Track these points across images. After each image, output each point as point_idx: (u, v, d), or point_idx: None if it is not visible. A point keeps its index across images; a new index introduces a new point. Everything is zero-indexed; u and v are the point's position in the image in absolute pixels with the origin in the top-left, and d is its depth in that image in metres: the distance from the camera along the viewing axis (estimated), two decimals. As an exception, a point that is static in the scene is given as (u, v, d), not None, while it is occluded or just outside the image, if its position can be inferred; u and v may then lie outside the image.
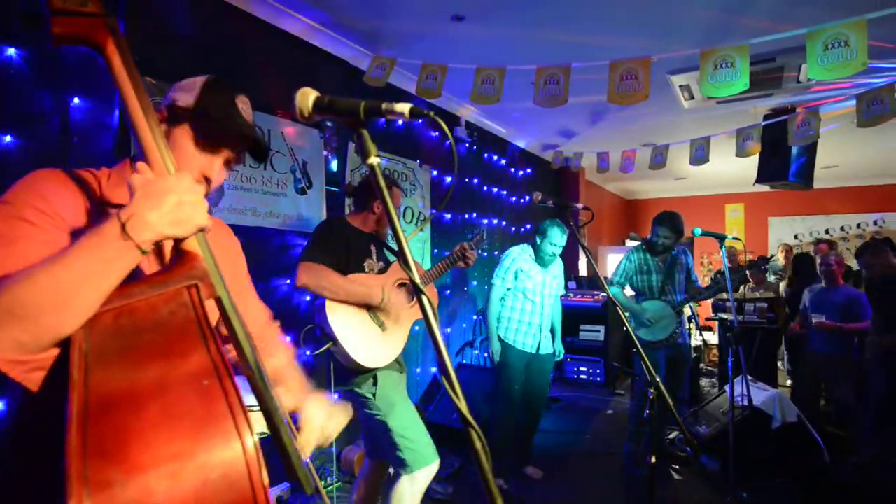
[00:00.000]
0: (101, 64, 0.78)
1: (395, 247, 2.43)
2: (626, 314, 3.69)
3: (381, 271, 2.26)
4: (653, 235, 3.62)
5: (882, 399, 3.54)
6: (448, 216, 4.94)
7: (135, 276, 0.75)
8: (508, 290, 3.39)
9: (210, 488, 0.61)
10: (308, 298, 3.29)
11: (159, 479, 0.59)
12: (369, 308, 2.17)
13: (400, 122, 4.21)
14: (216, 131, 0.98)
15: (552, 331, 3.57)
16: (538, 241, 3.37)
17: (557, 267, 3.55)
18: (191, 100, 0.96)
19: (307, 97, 0.79)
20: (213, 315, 0.87)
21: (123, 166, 0.97)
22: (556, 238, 3.31)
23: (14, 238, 0.78)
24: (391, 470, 2.32)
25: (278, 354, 1.25)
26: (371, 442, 2.31)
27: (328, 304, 2.08)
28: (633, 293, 3.82)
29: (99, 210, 0.88)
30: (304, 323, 3.28)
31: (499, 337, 3.40)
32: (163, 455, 0.60)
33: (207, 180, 0.99)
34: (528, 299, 3.37)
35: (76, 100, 2.21)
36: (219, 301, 0.81)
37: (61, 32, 0.72)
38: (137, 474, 0.58)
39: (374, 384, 2.12)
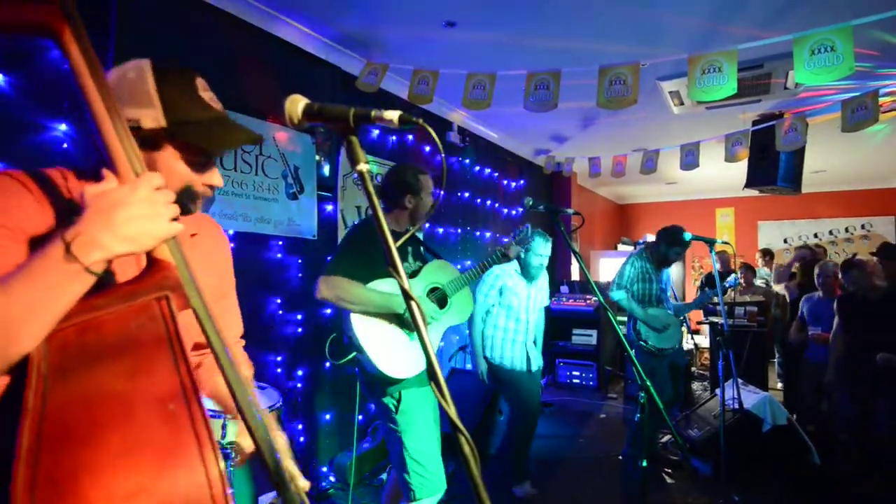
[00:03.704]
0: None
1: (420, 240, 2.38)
2: (633, 322, 3.69)
3: (415, 273, 2.18)
4: (670, 252, 3.62)
5: (852, 421, 3.56)
6: (442, 193, 4.95)
7: (107, 285, 0.69)
8: (492, 306, 3.28)
9: None
10: (300, 317, 3.28)
11: None
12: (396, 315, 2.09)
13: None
14: (209, 144, 0.89)
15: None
16: (522, 255, 3.24)
17: (543, 279, 3.46)
18: (159, 115, 0.83)
19: (296, 104, 0.79)
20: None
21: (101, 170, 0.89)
22: (541, 248, 3.21)
23: None
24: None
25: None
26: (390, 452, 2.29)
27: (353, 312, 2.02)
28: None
29: (64, 215, 0.78)
30: (295, 326, 3.28)
31: (485, 357, 3.30)
32: (121, 492, 0.54)
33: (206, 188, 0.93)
34: (511, 317, 3.27)
35: (63, 126, 2.17)
36: (195, 311, 0.76)
37: (5, 20, 0.64)
38: None
39: (399, 400, 2.04)
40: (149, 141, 0.84)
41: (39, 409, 0.57)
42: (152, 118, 0.83)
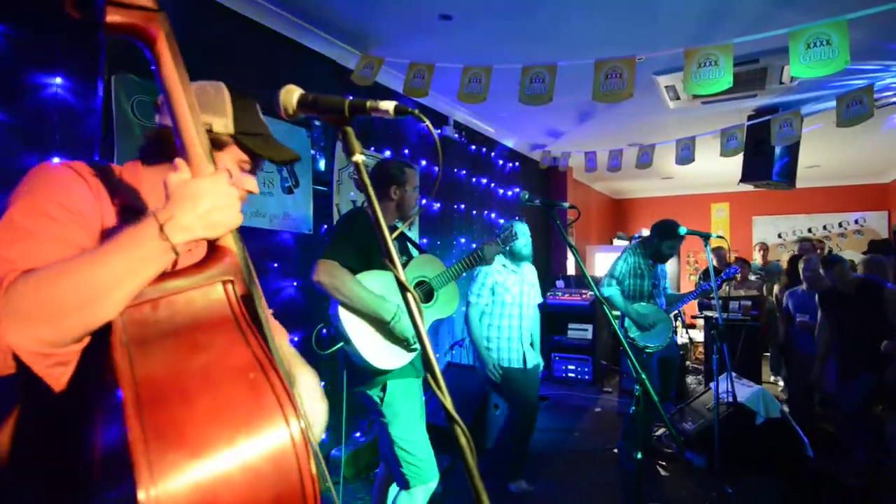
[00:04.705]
0: (142, 50, 0.78)
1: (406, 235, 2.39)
2: (622, 318, 3.69)
3: (402, 266, 2.18)
4: (662, 246, 3.61)
5: (858, 412, 3.61)
6: (437, 205, 4.95)
7: (170, 269, 0.77)
8: (486, 306, 3.28)
9: (263, 478, 0.63)
10: (296, 301, 3.27)
11: (217, 467, 0.61)
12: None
13: (387, 118, 4.22)
14: (262, 151, 1.03)
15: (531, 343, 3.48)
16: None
17: (532, 275, 3.45)
18: (228, 123, 0.99)
19: (291, 94, 0.79)
20: None
21: (135, 166, 0.99)
22: (521, 230, 3.19)
23: (37, 233, 0.78)
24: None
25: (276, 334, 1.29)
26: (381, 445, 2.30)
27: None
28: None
29: (115, 207, 0.89)
30: (293, 321, 3.27)
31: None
32: (219, 444, 0.62)
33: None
34: (506, 314, 3.27)
35: (59, 79, 2.16)
36: (248, 297, 0.82)
37: (114, 22, 0.72)
38: (197, 461, 0.60)
39: (383, 390, 2.05)
40: (215, 142, 0.98)
41: (130, 375, 0.64)
42: (222, 124, 0.98)
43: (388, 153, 4.23)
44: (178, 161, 0.79)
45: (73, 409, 0.74)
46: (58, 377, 0.72)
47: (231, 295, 0.77)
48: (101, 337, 0.69)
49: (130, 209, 0.89)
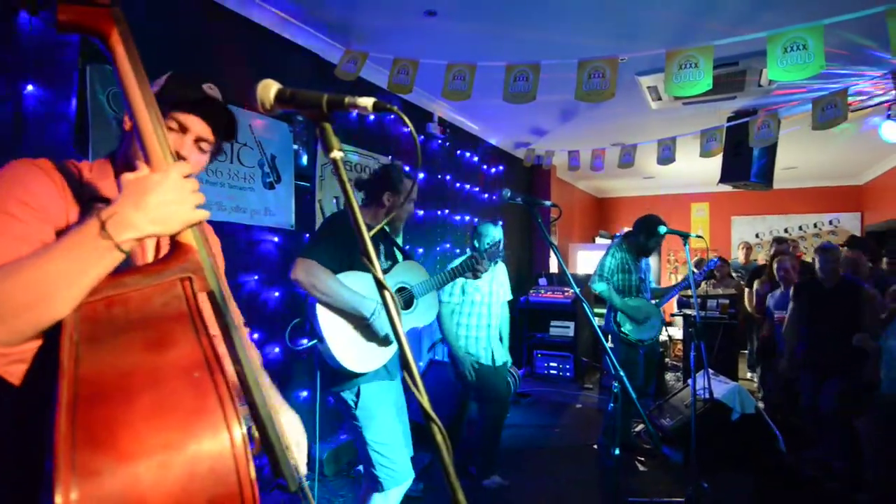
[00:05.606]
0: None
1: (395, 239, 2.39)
2: (616, 313, 3.73)
3: (385, 272, 2.17)
4: (648, 240, 3.67)
5: (811, 407, 3.69)
6: (420, 212, 4.93)
7: (128, 265, 0.76)
8: (457, 304, 3.32)
9: (197, 480, 0.62)
10: (277, 294, 3.24)
11: (147, 470, 0.60)
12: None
13: (371, 116, 4.19)
14: (177, 105, 0.98)
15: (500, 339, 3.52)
16: (476, 244, 3.26)
17: (503, 274, 3.49)
18: (156, 90, 0.96)
19: (269, 89, 0.78)
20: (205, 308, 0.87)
21: (105, 162, 0.98)
22: (494, 233, 3.25)
23: None
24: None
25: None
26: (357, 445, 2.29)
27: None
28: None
29: (81, 204, 0.88)
30: (271, 320, 3.24)
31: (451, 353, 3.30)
32: (152, 446, 0.61)
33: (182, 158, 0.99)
34: (475, 314, 3.31)
35: (30, 87, 2.10)
36: (211, 294, 0.81)
37: (66, 20, 0.73)
38: (126, 464, 0.58)
39: (357, 395, 2.05)
40: None
41: (73, 370, 0.63)
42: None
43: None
44: (139, 162, 0.79)
45: (40, 401, 0.74)
46: (18, 374, 0.73)
47: (189, 293, 0.75)
48: (57, 333, 0.69)
49: (96, 206, 0.88)
